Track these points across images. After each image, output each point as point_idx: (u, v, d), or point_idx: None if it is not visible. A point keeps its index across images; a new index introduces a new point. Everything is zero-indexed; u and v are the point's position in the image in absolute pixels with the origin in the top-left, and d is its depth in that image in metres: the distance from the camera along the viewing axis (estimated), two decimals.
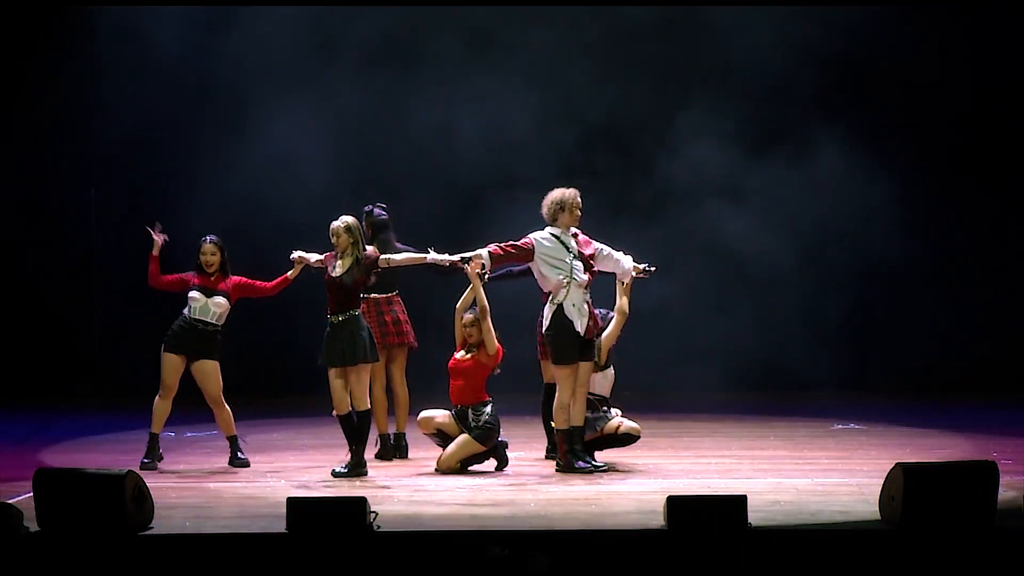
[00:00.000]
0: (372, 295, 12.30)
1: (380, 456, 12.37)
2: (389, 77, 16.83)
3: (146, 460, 11.85)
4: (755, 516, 8.75)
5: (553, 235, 11.47)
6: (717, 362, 16.93)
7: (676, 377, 16.50)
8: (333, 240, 11.54)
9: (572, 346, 11.36)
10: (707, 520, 8.59)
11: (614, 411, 11.82)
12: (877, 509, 9.22)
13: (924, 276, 17.40)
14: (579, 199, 11.52)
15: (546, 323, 11.46)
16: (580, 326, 11.36)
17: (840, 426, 14.24)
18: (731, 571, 8.37)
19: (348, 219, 11.59)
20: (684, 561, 8.40)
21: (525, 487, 10.92)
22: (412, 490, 10.82)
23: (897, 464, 9.07)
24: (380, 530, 8.68)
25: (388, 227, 12.49)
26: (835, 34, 16.86)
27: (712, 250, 17.06)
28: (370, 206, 12.48)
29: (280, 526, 8.68)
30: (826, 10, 16.83)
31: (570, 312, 11.35)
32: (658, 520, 8.87)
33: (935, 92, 17.29)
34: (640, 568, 8.40)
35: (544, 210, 11.54)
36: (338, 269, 11.51)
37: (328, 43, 16.73)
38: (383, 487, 10.92)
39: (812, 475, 11.32)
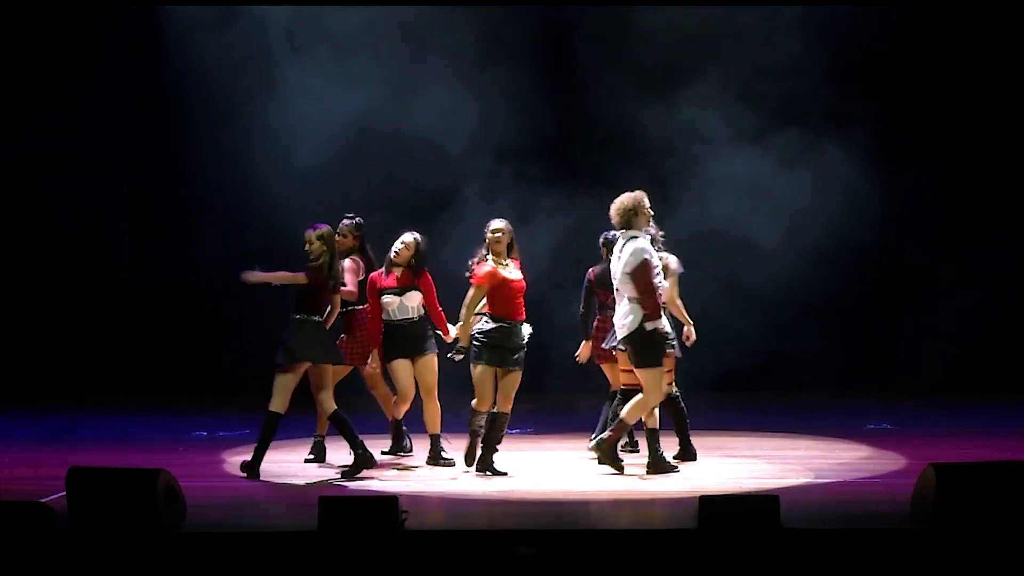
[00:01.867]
0: (360, 307, 12.21)
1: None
2: (384, 70, 16.75)
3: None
4: (787, 516, 8.73)
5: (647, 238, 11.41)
6: (745, 362, 16.91)
7: (700, 376, 16.45)
8: (308, 247, 11.46)
9: (661, 347, 11.35)
10: (739, 520, 8.58)
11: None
12: (910, 509, 9.19)
13: (956, 275, 17.33)
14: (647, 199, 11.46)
15: (631, 328, 11.32)
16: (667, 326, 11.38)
17: (872, 426, 14.20)
18: (763, 571, 8.35)
19: (321, 227, 11.49)
20: (716, 561, 8.39)
21: (557, 487, 10.91)
22: (444, 489, 10.82)
23: (930, 464, 9.04)
24: (411, 529, 8.70)
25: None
26: (845, 28, 16.77)
27: (722, 247, 16.99)
28: (354, 216, 12.36)
29: (312, 525, 8.70)
30: (833, 7, 16.75)
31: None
32: (690, 520, 8.85)
33: (948, 88, 17.19)
34: (672, 568, 8.38)
35: (617, 218, 11.30)
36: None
37: (324, 35, 16.72)
38: (415, 485, 10.92)
39: (844, 475, 11.29)
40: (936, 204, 17.36)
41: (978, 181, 17.26)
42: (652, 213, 11.40)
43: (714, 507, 8.69)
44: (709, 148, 16.38)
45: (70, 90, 17.16)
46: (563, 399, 15.53)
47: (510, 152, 16.58)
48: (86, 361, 17.38)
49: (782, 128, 16.38)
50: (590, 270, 12.38)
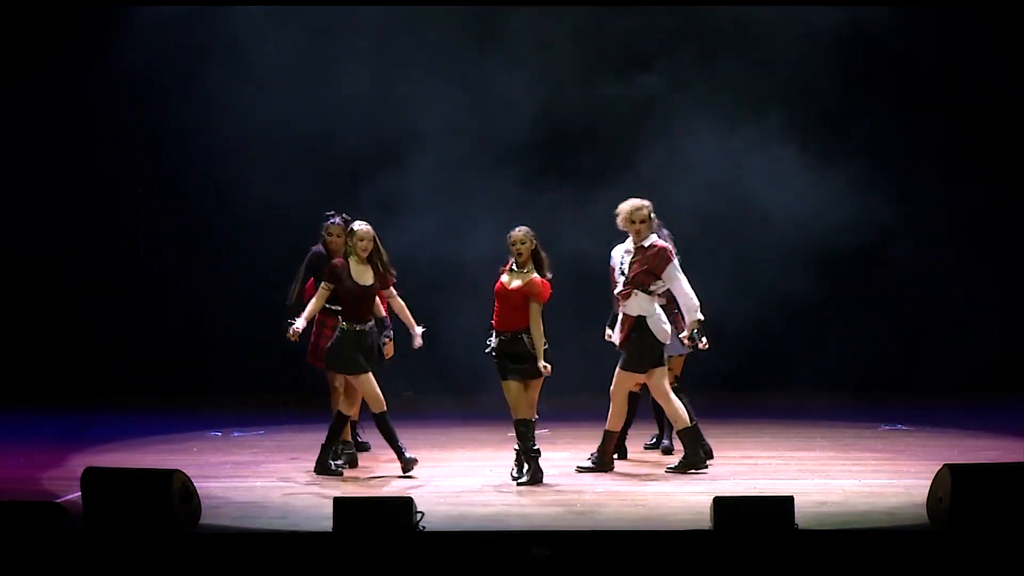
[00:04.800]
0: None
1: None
2: (375, 57, 16.75)
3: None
4: (802, 517, 8.73)
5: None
6: (758, 362, 16.90)
7: (713, 376, 16.41)
8: (362, 244, 11.31)
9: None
10: (754, 521, 8.58)
11: None
12: (925, 510, 9.18)
13: (973, 275, 17.27)
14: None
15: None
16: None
17: (887, 427, 14.18)
18: (778, 572, 8.34)
19: (368, 226, 11.41)
20: (731, 562, 8.38)
21: (572, 488, 10.90)
22: (458, 490, 10.82)
23: (945, 465, 9.03)
24: (426, 530, 8.70)
25: None
26: (849, 26, 16.72)
27: (727, 244, 16.95)
28: (337, 216, 12.18)
29: (327, 525, 8.71)
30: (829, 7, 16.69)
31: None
32: (705, 521, 8.85)
33: (953, 87, 17.13)
34: (686, 569, 8.37)
35: (635, 223, 11.39)
36: (359, 277, 11.31)
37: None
38: (429, 487, 10.92)
39: (859, 476, 11.28)
40: (946, 203, 17.30)
41: (987, 181, 17.20)
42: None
43: (729, 508, 8.69)
44: (707, 151, 16.37)
45: (70, 90, 17.14)
46: (574, 399, 15.52)
47: (488, 145, 16.55)
48: (100, 362, 17.37)
49: (783, 125, 16.35)
50: None
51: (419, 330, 11.54)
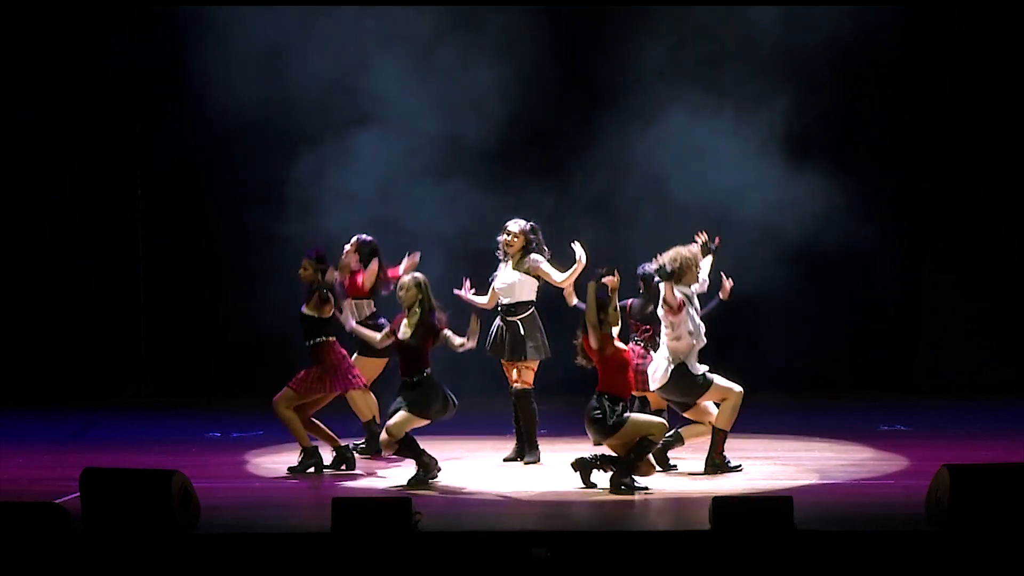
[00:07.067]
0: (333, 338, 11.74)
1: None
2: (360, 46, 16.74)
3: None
4: (800, 517, 8.73)
5: None
6: (757, 364, 16.90)
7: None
8: (400, 294, 11.13)
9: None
10: (752, 521, 8.58)
11: None
12: (924, 511, 9.18)
13: (970, 276, 17.28)
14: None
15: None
16: None
17: (886, 427, 14.18)
18: (776, 572, 8.35)
19: (418, 275, 11.20)
20: (729, 562, 8.39)
21: (570, 488, 10.91)
22: (456, 490, 10.83)
23: (944, 465, 9.03)
24: (424, 530, 8.71)
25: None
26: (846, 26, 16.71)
27: (727, 243, 16.96)
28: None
29: (325, 526, 8.71)
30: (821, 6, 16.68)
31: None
32: (703, 521, 8.86)
33: (948, 86, 17.13)
34: (685, 569, 8.38)
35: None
36: (404, 329, 11.09)
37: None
38: (428, 487, 10.92)
39: (858, 476, 11.28)
40: (946, 202, 17.30)
41: (985, 180, 17.20)
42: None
43: (728, 508, 8.70)
44: (700, 157, 16.37)
45: (70, 89, 17.15)
46: (574, 400, 15.52)
47: (454, 139, 16.54)
48: (99, 362, 17.38)
49: (775, 132, 16.33)
50: (627, 302, 12.28)
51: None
